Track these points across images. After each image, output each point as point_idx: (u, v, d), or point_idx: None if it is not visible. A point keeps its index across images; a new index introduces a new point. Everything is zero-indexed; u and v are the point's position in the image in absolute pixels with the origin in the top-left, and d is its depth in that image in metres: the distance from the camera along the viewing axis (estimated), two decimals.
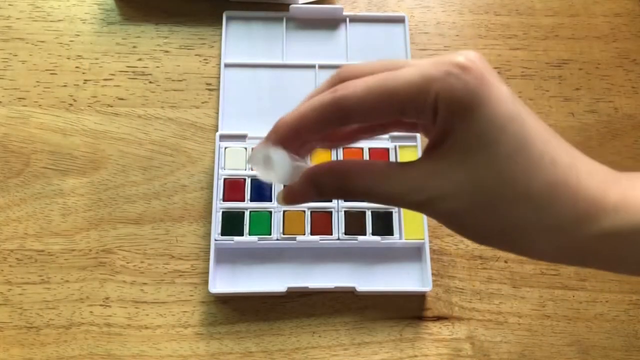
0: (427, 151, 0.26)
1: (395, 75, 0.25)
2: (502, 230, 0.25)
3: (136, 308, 0.47)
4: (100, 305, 0.47)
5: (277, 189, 0.49)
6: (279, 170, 0.26)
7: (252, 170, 0.26)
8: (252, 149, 0.26)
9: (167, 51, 0.55)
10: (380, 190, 0.26)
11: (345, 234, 0.48)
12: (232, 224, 0.48)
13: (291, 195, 0.28)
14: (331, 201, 0.49)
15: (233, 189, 0.49)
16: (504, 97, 0.24)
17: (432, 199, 0.26)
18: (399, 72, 0.25)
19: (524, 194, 0.24)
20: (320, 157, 0.50)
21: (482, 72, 0.24)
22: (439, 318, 0.48)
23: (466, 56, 0.24)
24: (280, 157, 0.26)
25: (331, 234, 0.48)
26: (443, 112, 0.24)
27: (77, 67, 0.54)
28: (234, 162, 0.50)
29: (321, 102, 0.26)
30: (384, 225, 0.49)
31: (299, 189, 0.27)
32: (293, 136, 0.27)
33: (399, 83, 0.24)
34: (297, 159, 0.28)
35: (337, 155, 0.50)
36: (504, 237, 0.26)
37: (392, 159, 0.51)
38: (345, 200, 0.28)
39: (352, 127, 0.30)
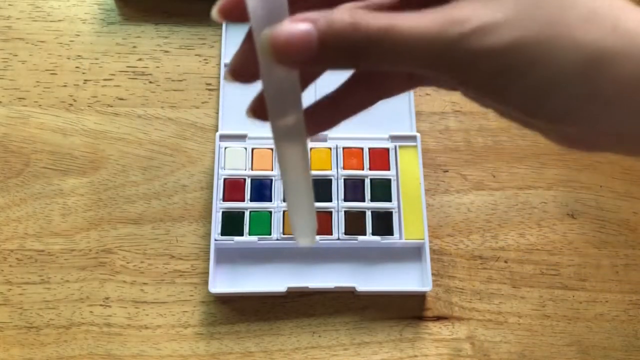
0: None
1: None
2: (579, 61, 0.19)
3: (136, 308, 0.47)
4: (100, 305, 0.47)
5: (278, 189, 0.49)
6: None
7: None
8: None
9: (167, 51, 0.55)
10: (406, 28, 0.19)
11: (345, 234, 0.48)
12: (232, 224, 0.48)
13: (282, 39, 0.19)
14: (331, 200, 0.49)
15: (233, 189, 0.49)
16: None
17: (478, 29, 0.19)
18: None
19: (593, 13, 0.19)
20: (319, 157, 0.50)
21: None
22: (439, 318, 0.48)
23: None
24: None
25: (331, 234, 0.48)
26: None
27: (77, 67, 0.54)
28: (234, 162, 0.50)
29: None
30: (384, 225, 0.49)
31: (294, 28, 0.19)
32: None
33: None
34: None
35: (337, 155, 0.50)
36: (580, 78, 0.19)
37: (392, 159, 0.51)
38: (350, 62, 0.20)
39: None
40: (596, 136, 0.21)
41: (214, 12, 0.22)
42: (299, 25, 0.19)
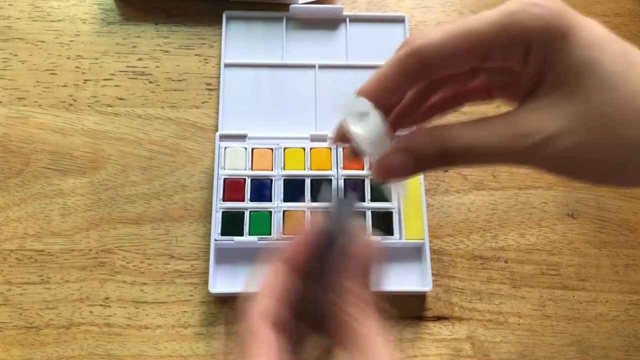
0: (525, 96, 0.24)
1: (475, 18, 0.23)
2: (629, 159, 0.22)
3: (136, 308, 0.47)
4: (100, 305, 0.47)
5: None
6: (372, 127, 0.24)
7: (342, 119, 0.25)
8: (349, 99, 0.25)
9: (167, 51, 0.55)
10: (484, 144, 0.23)
11: None
12: (232, 224, 0.48)
13: (386, 168, 0.25)
14: (331, 200, 0.49)
15: (233, 189, 0.49)
16: (592, 21, 0.23)
17: (545, 140, 0.22)
18: (477, 15, 0.23)
19: None
20: (319, 157, 0.50)
21: (559, 2, 0.23)
22: (439, 318, 0.48)
23: None
24: (377, 117, 0.24)
25: None
26: (536, 43, 0.23)
27: (77, 67, 0.54)
28: (234, 162, 0.50)
29: (398, 56, 0.25)
30: (384, 225, 0.49)
31: (394, 159, 0.25)
32: (376, 100, 0.25)
33: (480, 23, 0.23)
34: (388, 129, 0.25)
35: (337, 155, 0.50)
36: (634, 166, 0.23)
37: None
38: (446, 168, 0.26)
39: (435, 99, 0.29)
40: None
41: (330, 142, 0.26)
42: (397, 157, 0.25)
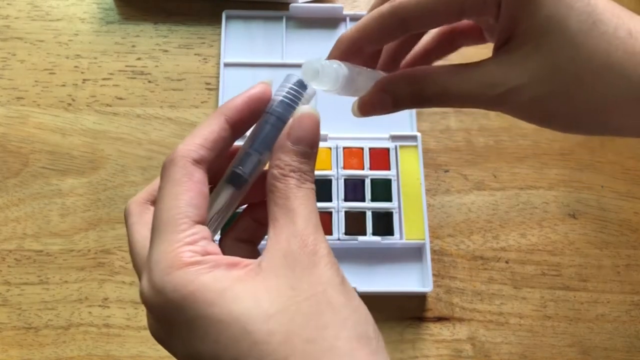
0: (497, 48, 0.26)
1: None
2: (590, 109, 0.25)
3: (135, 309, 0.46)
4: (99, 305, 0.46)
5: None
6: (327, 81, 0.26)
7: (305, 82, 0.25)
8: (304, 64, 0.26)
9: (166, 50, 0.55)
10: (456, 89, 0.26)
11: (346, 234, 0.48)
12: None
13: (366, 105, 0.27)
14: (331, 200, 0.49)
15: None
16: None
17: (511, 90, 0.25)
18: None
19: (606, 66, 0.24)
20: (319, 157, 0.50)
21: None
22: (439, 319, 0.47)
23: None
24: (330, 68, 0.25)
25: (331, 234, 0.48)
26: (507, 1, 0.24)
27: (75, 66, 0.54)
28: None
29: (380, 11, 0.27)
30: (384, 225, 0.48)
31: (373, 98, 0.27)
32: (355, 49, 0.27)
33: None
34: (362, 68, 0.27)
35: (337, 155, 0.50)
36: (594, 116, 0.25)
37: (392, 159, 0.50)
38: (420, 107, 0.28)
39: (431, 44, 0.31)
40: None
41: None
42: (377, 95, 0.27)
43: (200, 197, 0.22)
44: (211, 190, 0.25)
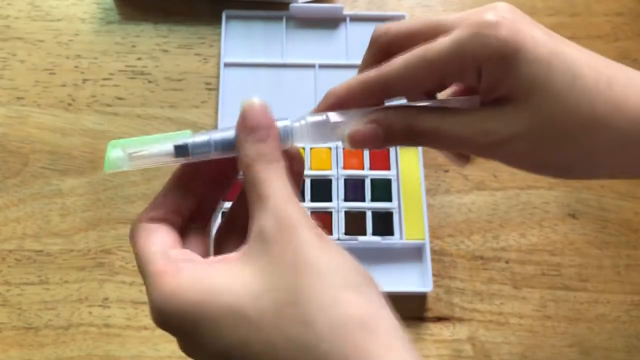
0: (487, 101, 0.27)
1: (431, 48, 0.26)
2: (580, 160, 0.26)
3: (135, 309, 0.47)
4: (99, 305, 0.46)
5: None
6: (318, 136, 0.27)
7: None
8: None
9: (166, 50, 0.55)
10: (450, 129, 0.26)
11: (346, 234, 0.48)
12: None
13: (356, 138, 0.27)
14: (331, 200, 0.49)
15: (233, 189, 0.49)
16: (540, 38, 0.25)
17: (504, 139, 0.26)
18: (434, 44, 0.26)
19: (591, 119, 0.25)
20: (319, 157, 0.50)
21: (512, 22, 0.25)
22: (439, 319, 0.47)
23: (495, 12, 0.25)
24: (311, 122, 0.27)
25: (331, 234, 0.48)
26: (487, 68, 0.25)
27: (76, 66, 0.54)
28: None
29: (366, 76, 0.28)
30: (384, 225, 0.48)
31: (365, 130, 0.27)
32: (340, 105, 0.28)
33: (434, 54, 0.26)
34: (356, 112, 0.28)
35: (337, 155, 0.50)
36: (584, 166, 0.27)
37: (392, 158, 0.50)
38: (411, 144, 0.28)
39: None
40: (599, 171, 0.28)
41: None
42: (369, 128, 0.27)
43: (161, 236, 0.25)
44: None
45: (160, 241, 0.24)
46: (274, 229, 0.22)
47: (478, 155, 0.28)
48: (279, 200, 0.23)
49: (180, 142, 0.25)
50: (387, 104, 0.29)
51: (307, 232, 0.22)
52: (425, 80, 0.27)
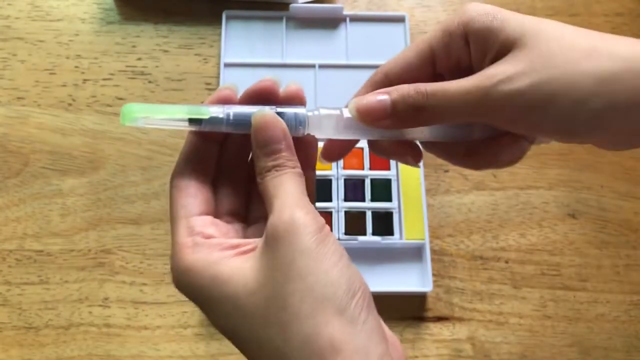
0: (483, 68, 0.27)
1: (422, 37, 0.29)
2: (588, 87, 0.25)
3: (135, 309, 0.47)
4: (100, 305, 0.47)
5: None
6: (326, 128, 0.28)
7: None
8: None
9: (166, 51, 0.55)
10: (456, 86, 0.26)
11: (346, 234, 0.48)
12: None
13: (364, 106, 0.27)
14: (331, 200, 0.49)
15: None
16: (520, 15, 0.27)
17: (504, 79, 0.25)
18: (425, 37, 0.29)
19: (592, 49, 0.25)
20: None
21: (492, 6, 0.27)
22: (439, 319, 0.47)
23: (472, 5, 0.27)
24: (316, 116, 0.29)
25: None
26: (473, 32, 0.27)
27: (76, 66, 0.54)
28: None
29: (371, 78, 0.30)
30: (384, 225, 0.48)
31: (377, 109, 0.27)
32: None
33: (424, 37, 0.28)
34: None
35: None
36: (586, 110, 0.25)
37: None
38: (418, 112, 0.27)
39: None
40: (620, 136, 0.27)
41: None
42: (377, 96, 0.27)
43: (187, 198, 0.26)
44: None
45: (187, 204, 0.26)
46: (276, 232, 0.23)
47: (489, 112, 0.26)
48: (284, 201, 0.24)
49: (195, 116, 0.26)
50: None
51: (307, 239, 0.23)
52: (418, 63, 0.28)
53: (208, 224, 0.26)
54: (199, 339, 0.46)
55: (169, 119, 0.26)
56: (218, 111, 0.26)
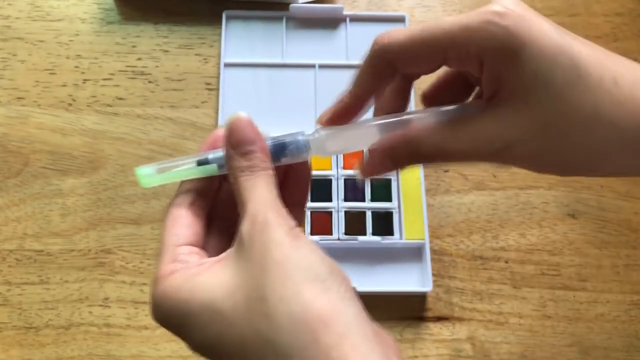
0: (487, 102, 0.26)
1: (436, 24, 0.26)
2: (583, 160, 0.26)
3: (135, 308, 0.47)
4: (100, 305, 0.47)
5: None
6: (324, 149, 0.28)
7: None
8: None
9: (166, 51, 0.55)
10: (452, 146, 0.26)
11: (346, 234, 0.48)
12: None
13: (369, 170, 0.29)
14: (331, 200, 0.49)
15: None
16: (547, 31, 0.24)
17: (506, 146, 0.26)
18: (440, 21, 0.26)
19: (594, 119, 0.25)
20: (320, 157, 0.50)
21: (519, 14, 0.24)
22: (439, 318, 0.47)
23: (502, 3, 0.25)
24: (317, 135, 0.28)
25: (331, 234, 0.48)
26: (489, 60, 0.25)
27: (76, 66, 0.54)
28: None
29: (369, 55, 0.28)
30: (384, 225, 0.48)
31: (375, 163, 0.28)
32: (360, 103, 0.29)
33: (439, 31, 0.26)
34: (352, 125, 0.29)
35: (337, 155, 0.50)
36: (588, 165, 0.26)
37: None
38: (420, 163, 0.29)
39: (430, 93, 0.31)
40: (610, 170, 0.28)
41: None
42: (376, 159, 0.28)
43: (180, 227, 0.26)
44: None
45: (178, 233, 0.26)
46: (249, 231, 0.23)
47: (487, 162, 0.27)
48: (257, 205, 0.24)
49: (202, 157, 0.27)
50: (385, 116, 0.29)
51: (279, 232, 0.23)
52: (427, 56, 0.26)
53: (193, 253, 0.26)
54: None
55: (180, 164, 0.27)
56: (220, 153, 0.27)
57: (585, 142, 0.25)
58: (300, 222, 0.28)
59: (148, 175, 0.28)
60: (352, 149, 0.29)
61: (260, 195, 0.24)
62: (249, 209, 0.24)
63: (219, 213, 0.28)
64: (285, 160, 0.27)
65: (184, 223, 0.26)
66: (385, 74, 0.28)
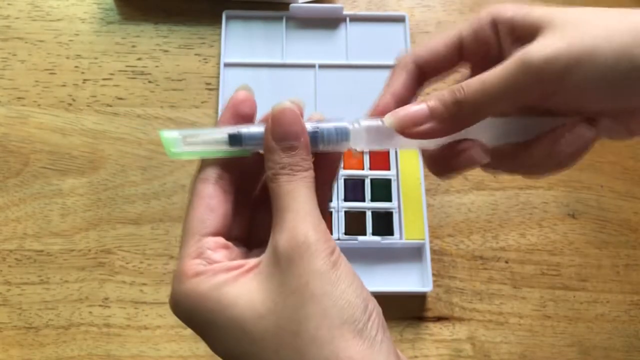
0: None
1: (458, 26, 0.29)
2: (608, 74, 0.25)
3: (135, 309, 0.47)
4: (100, 305, 0.47)
5: None
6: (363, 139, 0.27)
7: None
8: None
9: (166, 51, 0.55)
10: (492, 77, 0.26)
11: (346, 234, 0.48)
12: None
13: (404, 116, 0.26)
14: (331, 200, 0.49)
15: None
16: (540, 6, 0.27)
17: (540, 48, 0.25)
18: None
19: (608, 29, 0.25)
20: None
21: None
22: (439, 318, 0.47)
23: None
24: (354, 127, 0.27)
25: (331, 234, 0.48)
26: (502, 16, 0.27)
27: (76, 66, 0.54)
28: None
29: (404, 64, 0.30)
30: (384, 225, 0.48)
31: (412, 108, 0.26)
32: (393, 103, 0.29)
33: (457, 28, 0.29)
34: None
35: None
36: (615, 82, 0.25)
37: (392, 159, 0.50)
38: (457, 121, 0.27)
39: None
40: None
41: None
42: (412, 106, 0.26)
43: (207, 211, 0.24)
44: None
45: (205, 219, 0.24)
46: (287, 250, 0.22)
47: (528, 88, 0.25)
48: (297, 218, 0.23)
49: (234, 131, 0.25)
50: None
51: (320, 260, 0.22)
52: (446, 52, 0.29)
53: (218, 247, 0.24)
54: (199, 339, 0.45)
55: (209, 141, 0.25)
56: (258, 128, 0.25)
57: (623, 25, 0.25)
58: (327, 200, 0.28)
59: (174, 141, 0.25)
60: (393, 144, 0.28)
61: (300, 206, 0.23)
62: (288, 219, 0.23)
63: (239, 185, 0.27)
64: (322, 148, 0.26)
65: (211, 205, 0.25)
66: (415, 77, 0.30)
